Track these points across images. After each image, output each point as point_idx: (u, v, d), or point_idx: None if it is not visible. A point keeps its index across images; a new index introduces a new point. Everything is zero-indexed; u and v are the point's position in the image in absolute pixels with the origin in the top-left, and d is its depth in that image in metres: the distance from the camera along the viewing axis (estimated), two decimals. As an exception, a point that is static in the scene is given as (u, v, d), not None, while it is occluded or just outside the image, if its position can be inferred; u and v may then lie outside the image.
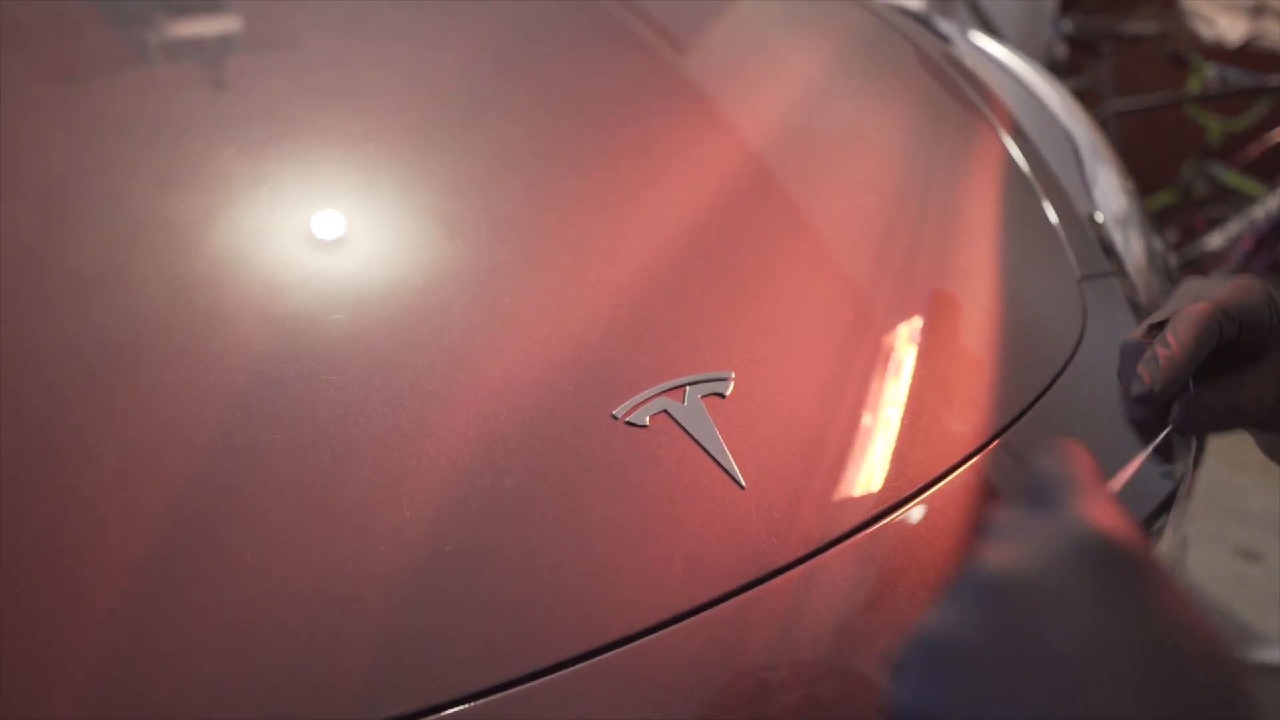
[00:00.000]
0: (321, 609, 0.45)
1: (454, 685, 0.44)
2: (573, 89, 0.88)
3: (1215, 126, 2.52)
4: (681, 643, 0.48)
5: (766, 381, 0.61)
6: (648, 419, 0.56)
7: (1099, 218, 0.99)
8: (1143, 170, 1.23)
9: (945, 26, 1.32)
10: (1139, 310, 0.89)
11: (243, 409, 0.53)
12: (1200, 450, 0.78)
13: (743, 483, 0.55)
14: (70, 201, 0.65)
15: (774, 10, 1.15)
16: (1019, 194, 0.92)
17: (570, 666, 0.46)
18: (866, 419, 0.60)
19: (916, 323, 0.71)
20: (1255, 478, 2.04)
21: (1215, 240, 2.29)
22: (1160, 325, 0.55)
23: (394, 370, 0.56)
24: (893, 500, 0.57)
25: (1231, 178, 2.43)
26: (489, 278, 0.65)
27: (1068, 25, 2.41)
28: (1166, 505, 0.64)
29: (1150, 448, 0.55)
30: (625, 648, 0.48)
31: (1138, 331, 0.57)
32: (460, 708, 0.44)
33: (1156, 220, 1.26)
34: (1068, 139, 1.17)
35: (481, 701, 0.44)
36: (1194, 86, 2.45)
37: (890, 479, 0.58)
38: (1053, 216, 0.90)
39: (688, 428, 0.56)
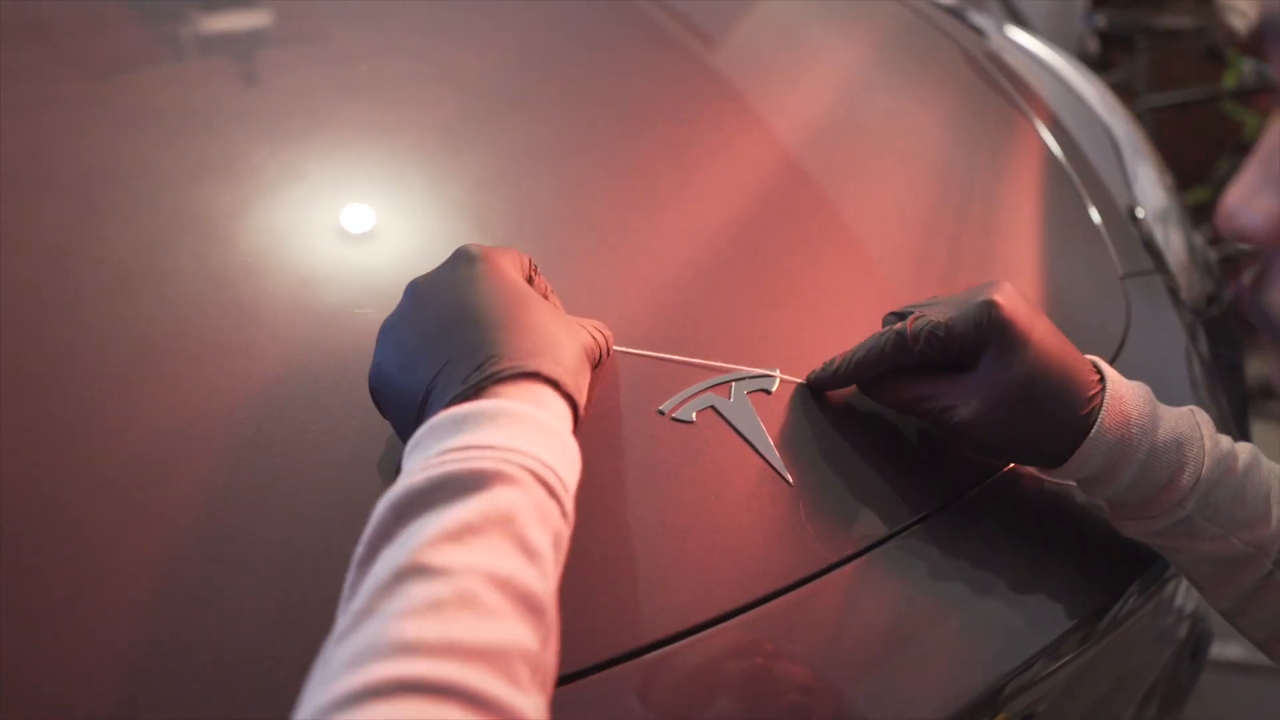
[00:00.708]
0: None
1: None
2: (612, 86, 0.88)
3: (1252, 122, 2.49)
4: (729, 641, 0.48)
5: (812, 378, 0.61)
6: (694, 415, 0.56)
7: (1140, 213, 0.98)
8: (1178, 166, 1.21)
9: (980, 20, 1.31)
10: (1181, 307, 0.88)
11: (275, 401, 0.53)
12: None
13: (790, 479, 0.55)
14: (105, 197, 0.66)
15: (809, 6, 1.14)
16: (1061, 190, 0.91)
17: (618, 664, 0.46)
18: (913, 417, 0.60)
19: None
20: None
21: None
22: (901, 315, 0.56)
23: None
24: (941, 498, 0.57)
25: (1268, 174, 2.38)
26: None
27: (1100, 19, 2.39)
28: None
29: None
30: (674, 645, 0.48)
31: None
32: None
33: (1193, 216, 1.24)
34: (1107, 134, 1.15)
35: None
36: (1230, 82, 2.41)
37: (935, 477, 0.58)
38: (1094, 213, 0.90)
39: (735, 424, 0.56)
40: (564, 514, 0.40)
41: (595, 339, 0.52)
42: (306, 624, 0.44)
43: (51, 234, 0.62)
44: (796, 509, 0.54)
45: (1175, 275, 0.92)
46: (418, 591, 0.33)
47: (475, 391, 0.41)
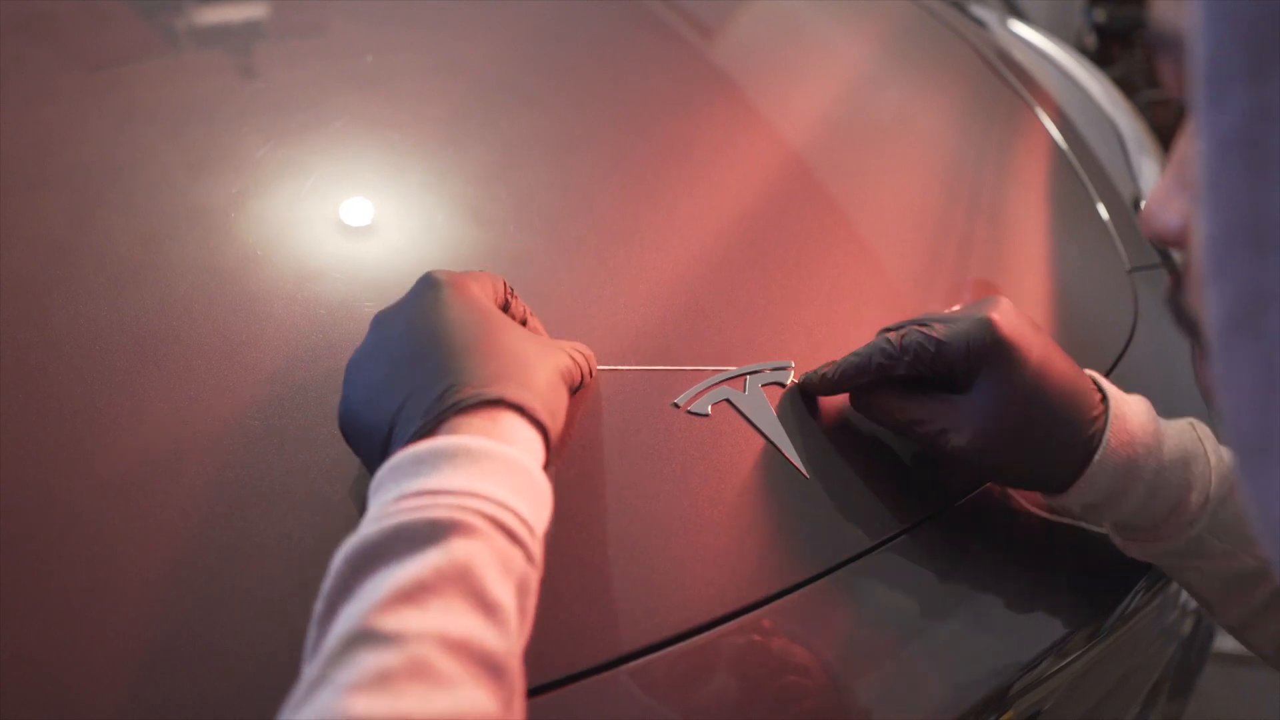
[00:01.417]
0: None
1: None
2: (619, 81, 0.87)
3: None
4: (744, 637, 0.48)
5: (826, 371, 0.60)
6: (709, 408, 0.56)
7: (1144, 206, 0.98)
8: (1179, 161, 1.22)
9: (983, 14, 1.31)
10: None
11: (280, 395, 0.53)
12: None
13: (806, 473, 0.54)
14: (107, 190, 0.65)
15: (814, 2, 1.14)
16: (1068, 184, 0.91)
17: (631, 661, 0.46)
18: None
19: (971, 314, 0.71)
20: None
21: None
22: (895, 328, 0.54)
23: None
24: (956, 491, 0.57)
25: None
26: (541, 266, 0.64)
27: (1099, 15, 2.39)
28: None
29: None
30: (688, 641, 0.47)
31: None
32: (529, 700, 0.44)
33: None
34: (1111, 128, 1.15)
35: (543, 696, 0.44)
36: (1226, 77, 2.41)
37: (949, 473, 0.58)
38: (1101, 207, 0.90)
39: (750, 417, 0.56)
40: (529, 558, 0.38)
41: (575, 360, 0.49)
42: (303, 623, 0.43)
43: (53, 227, 0.61)
44: (812, 503, 0.53)
45: (1180, 267, 0.92)
46: (368, 661, 0.32)
47: (436, 424, 0.39)
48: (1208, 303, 0.22)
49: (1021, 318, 0.50)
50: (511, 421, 0.41)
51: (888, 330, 0.54)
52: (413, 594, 0.33)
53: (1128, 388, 0.72)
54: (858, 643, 0.50)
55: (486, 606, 0.34)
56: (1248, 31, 0.20)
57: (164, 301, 0.57)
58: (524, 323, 0.51)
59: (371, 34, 0.89)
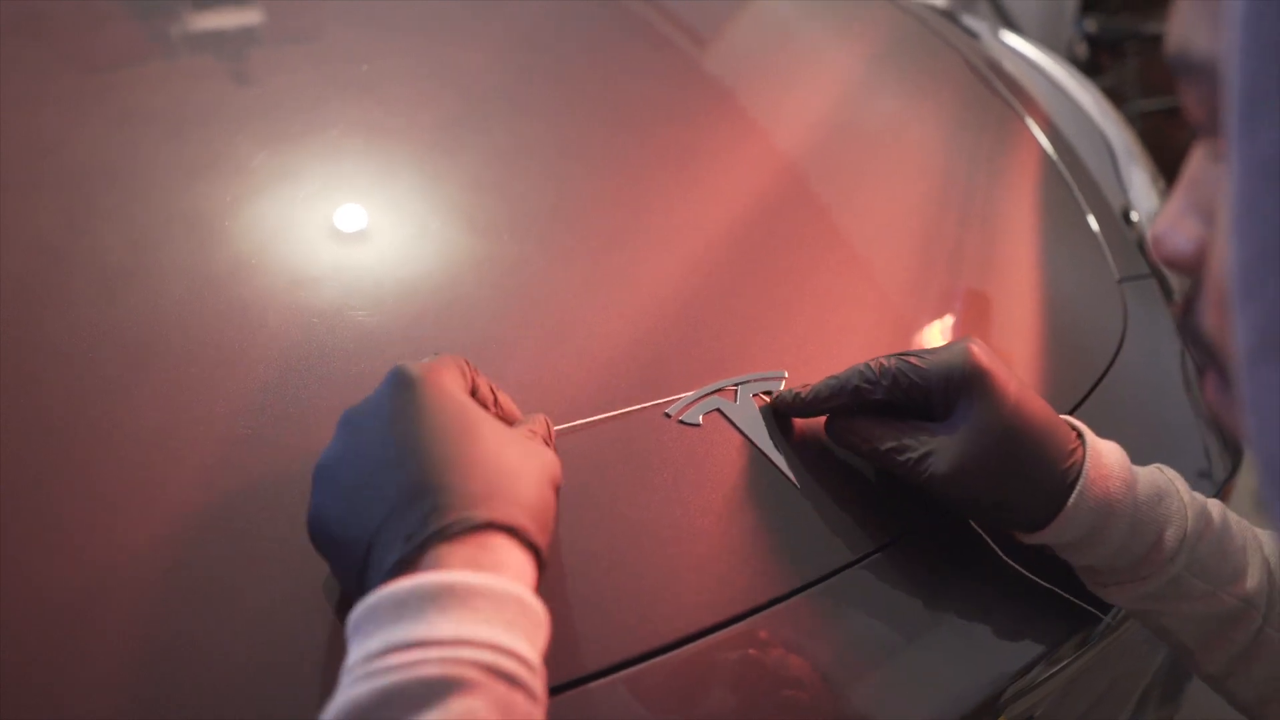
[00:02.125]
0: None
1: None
2: (612, 90, 0.88)
3: (1238, 127, 2.51)
4: (736, 646, 0.48)
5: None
6: (701, 418, 0.56)
7: (1134, 217, 0.99)
8: (1168, 169, 1.23)
9: (975, 24, 1.32)
10: (1174, 309, 0.89)
11: (268, 402, 0.53)
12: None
13: (796, 482, 0.55)
14: (100, 194, 0.65)
15: (804, 8, 1.15)
16: (1058, 194, 0.92)
17: (624, 669, 0.46)
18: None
19: (962, 325, 0.71)
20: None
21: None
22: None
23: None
24: (945, 504, 0.57)
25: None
26: (532, 276, 0.65)
27: (1091, 25, 2.40)
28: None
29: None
30: (680, 650, 0.48)
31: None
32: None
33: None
34: (1101, 139, 1.16)
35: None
36: (1216, 87, 2.43)
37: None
38: (1091, 218, 0.90)
39: (741, 426, 0.56)
40: (531, 696, 0.36)
41: (554, 453, 0.46)
42: (295, 626, 0.44)
43: (46, 231, 0.62)
44: (802, 512, 0.54)
45: (1170, 279, 0.92)
46: None
47: (418, 553, 0.37)
48: (1235, 327, 0.22)
49: (996, 355, 0.51)
50: (501, 546, 0.38)
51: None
52: None
53: (1117, 398, 0.73)
54: (849, 651, 0.50)
55: None
56: None
57: (157, 307, 0.57)
58: (497, 402, 0.49)
59: (367, 40, 0.89)
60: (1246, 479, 0.75)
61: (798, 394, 0.55)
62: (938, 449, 0.49)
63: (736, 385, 0.58)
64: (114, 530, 0.46)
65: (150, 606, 0.44)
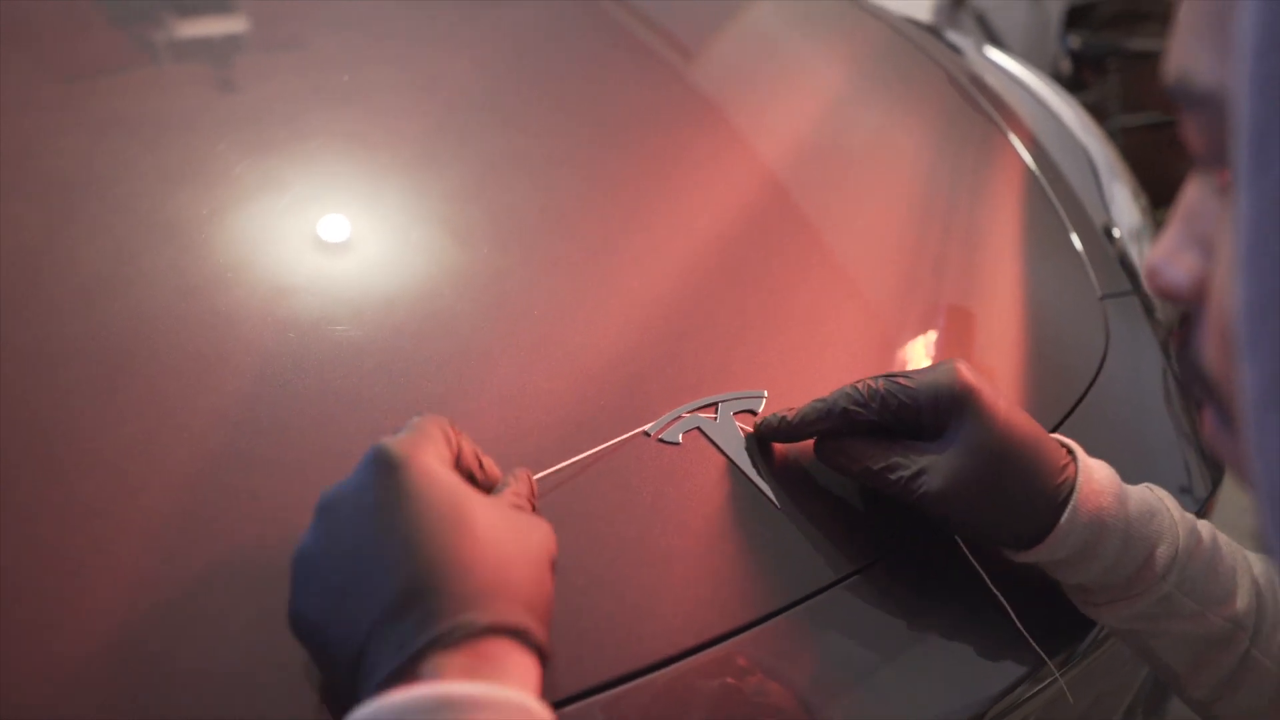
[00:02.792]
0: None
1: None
2: (595, 101, 0.88)
3: (1219, 142, 2.53)
4: (718, 666, 0.48)
5: (799, 400, 0.61)
6: (681, 436, 0.56)
7: (1116, 233, 0.99)
8: (1150, 185, 1.24)
9: (959, 40, 1.33)
10: (1157, 325, 0.89)
11: (245, 415, 0.52)
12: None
13: (776, 502, 0.54)
14: (76, 202, 0.64)
15: (790, 22, 1.15)
16: (1041, 211, 0.92)
17: (604, 691, 0.46)
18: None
19: (945, 342, 0.71)
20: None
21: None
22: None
23: (412, 383, 0.56)
24: (926, 523, 0.57)
25: (1235, 193, 2.43)
26: (513, 289, 0.64)
27: (1075, 41, 2.42)
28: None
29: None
30: (662, 671, 0.47)
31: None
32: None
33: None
34: (1084, 155, 1.17)
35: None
36: (1198, 102, 2.46)
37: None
38: (1074, 234, 0.91)
39: (721, 445, 0.56)
40: None
41: (543, 520, 0.44)
42: (276, 638, 0.43)
43: (25, 238, 0.61)
44: (783, 532, 0.53)
45: (1151, 295, 0.93)
46: None
47: (415, 664, 0.35)
48: (1241, 370, 0.21)
49: (982, 374, 0.51)
50: (502, 651, 0.36)
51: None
52: None
53: (1100, 415, 0.73)
54: (830, 672, 0.50)
55: None
56: None
57: (136, 316, 0.56)
58: (481, 465, 0.46)
59: (349, 48, 0.89)
60: (1228, 500, 0.75)
61: (784, 418, 0.54)
62: (930, 467, 0.49)
63: (717, 404, 0.58)
64: (90, 541, 0.46)
65: (124, 616, 0.43)
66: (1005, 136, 1.01)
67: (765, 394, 0.59)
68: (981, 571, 0.52)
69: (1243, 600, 0.48)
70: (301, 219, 0.67)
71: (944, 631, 0.53)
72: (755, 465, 0.55)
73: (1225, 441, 0.28)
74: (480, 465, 0.46)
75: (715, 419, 0.57)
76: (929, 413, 0.50)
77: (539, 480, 0.51)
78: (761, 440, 0.56)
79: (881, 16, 1.21)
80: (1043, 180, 0.96)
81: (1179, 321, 0.38)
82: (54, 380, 0.52)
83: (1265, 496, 0.22)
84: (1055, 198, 0.95)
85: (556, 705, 0.44)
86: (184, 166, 0.69)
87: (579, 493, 0.52)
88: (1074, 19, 2.47)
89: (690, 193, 0.78)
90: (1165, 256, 0.29)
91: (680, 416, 0.57)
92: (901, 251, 0.78)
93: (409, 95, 0.84)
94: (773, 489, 0.55)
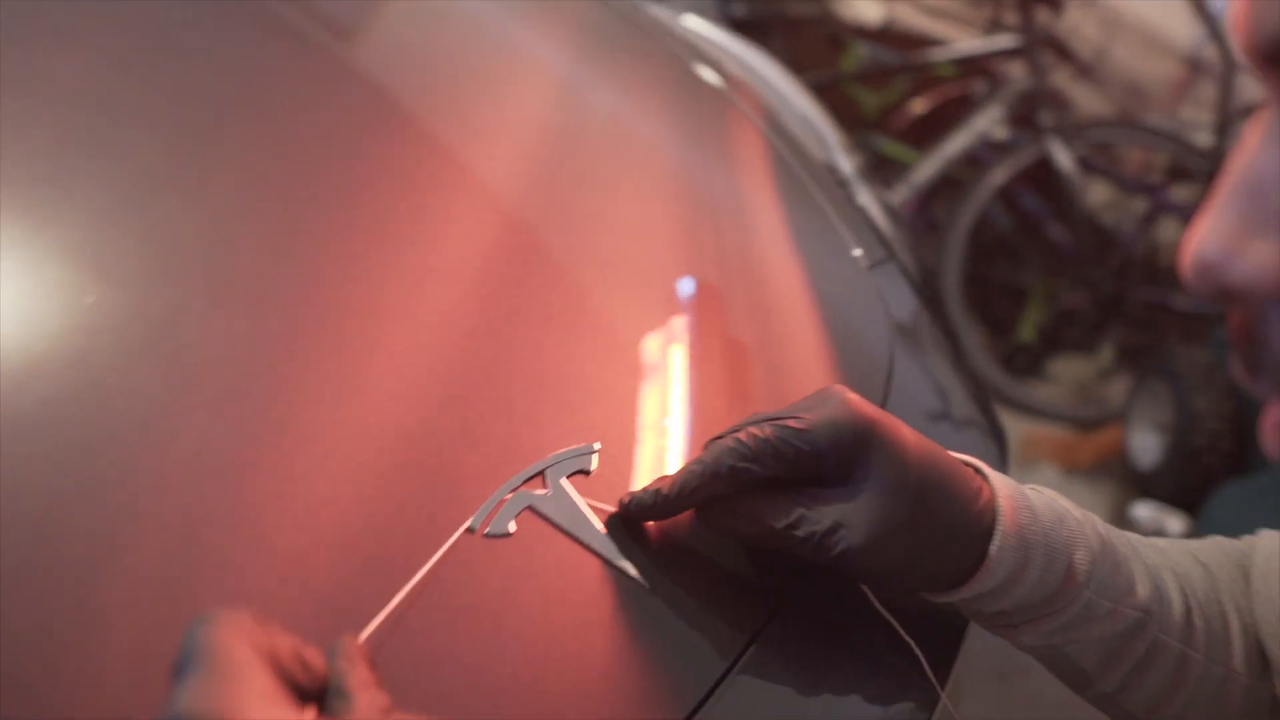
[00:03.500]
0: None
1: None
2: (259, 107, 0.70)
3: (868, 100, 2.76)
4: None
5: (630, 446, 0.51)
6: (511, 525, 0.44)
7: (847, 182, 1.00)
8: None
9: (657, 11, 1.28)
10: (910, 281, 0.89)
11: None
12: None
13: (645, 581, 0.44)
14: None
15: (490, 10, 1.02)
16: (791, 188, 0.89)
17: None
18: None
19: (754, 343, 0.65)
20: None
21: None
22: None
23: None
24: (808, 577, 0.49)
25: (889, 147, 2.67)
26: (256, 369, 0.48)
27: (741, 9, 2.52)
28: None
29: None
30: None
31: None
32: None
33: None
34: (801, 114, 1.17)
35: None
36: (848, 65, 2.66)
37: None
38: (830, 209, 0.88)
39: (564, 525, 0.45)
40: None
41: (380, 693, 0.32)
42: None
43: None
44: (659, 614, 0.44)
45: (900, 256, 0.93)
46: None
47: None
48: None
49: (865, 399, 0.44)
50: None
51: (717, 438, 0.44)
52: None
53: (905, 394, 0.70)
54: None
55: None
56: None
57: None
58: (303, 662, 0.32)
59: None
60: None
61: (658, 491, 0.44)
62: (846, 519, 0.41)
63: (543, 471, 0.46)
64: None
65: (101, 623, 0.25)
66: (742, 113, 0.97)
67: (597, 446, 0.49)
68: (893, 621, 0.46)
69: (1144, 586, 0.46)
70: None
71: (850, 680, 0.46)
72: (613, 539, 0.45)
73: None
74: (303, 662, 0.32)
75: (547, 492, 0.46)
76: (831, 455, 0.42)
77: (366, 640, 0.37)
78: (628, 521, 0.46)
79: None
80: (786, 154, 0.93)
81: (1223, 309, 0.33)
82: None
83: None
84: (801, 170, 0.92)
85: None
86: None
87: (404, 624, 0.39)
88: (735, -13, 2.57)
89: (399, 222, 0.61)
90: (1223, 246, 0.23)
91: (504, 499, 0.45)
92: (679, 259, 0.69)
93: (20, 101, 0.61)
94: (636, 565, 0.44)
